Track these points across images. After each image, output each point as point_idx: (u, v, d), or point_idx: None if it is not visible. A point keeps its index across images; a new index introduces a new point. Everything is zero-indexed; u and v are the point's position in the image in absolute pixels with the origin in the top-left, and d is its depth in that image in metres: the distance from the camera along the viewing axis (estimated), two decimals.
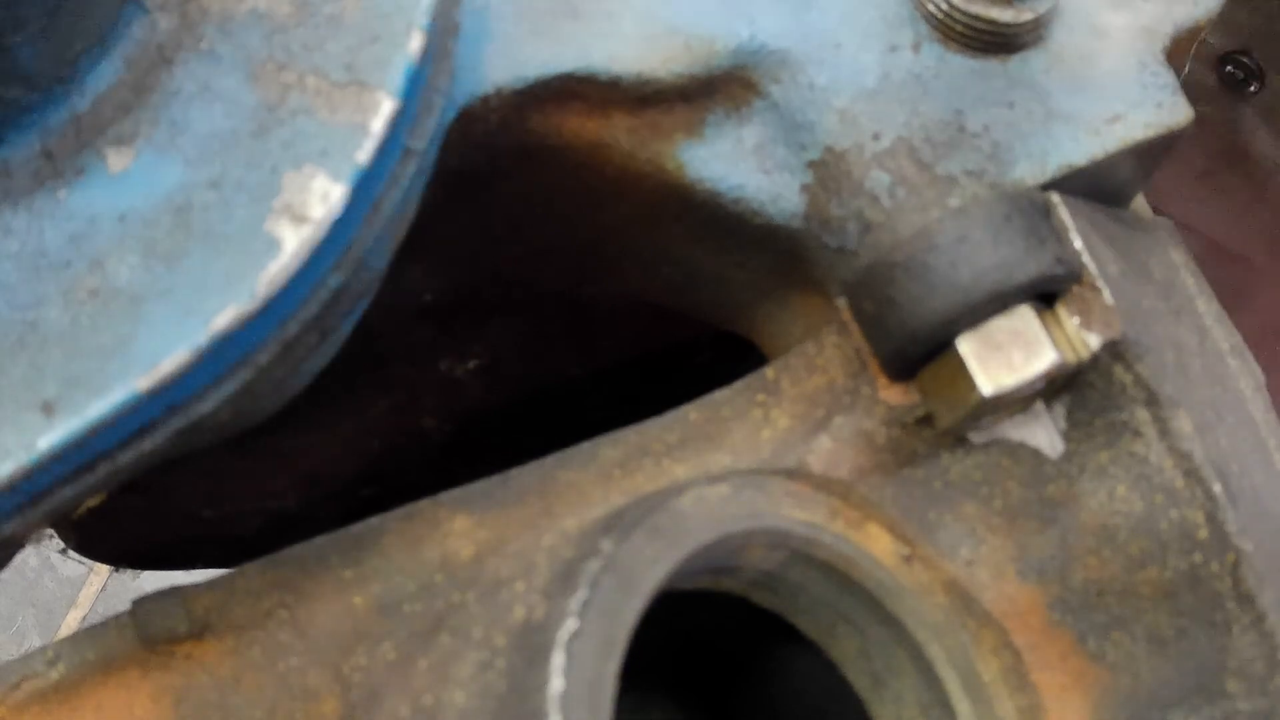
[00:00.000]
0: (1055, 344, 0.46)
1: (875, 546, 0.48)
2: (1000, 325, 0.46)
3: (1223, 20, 1.02)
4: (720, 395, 0.50)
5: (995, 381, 0.46)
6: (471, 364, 0.69)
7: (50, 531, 0.73)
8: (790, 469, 0.49)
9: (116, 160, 0.39)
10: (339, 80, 0.40)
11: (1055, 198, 0.48)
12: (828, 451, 0.49)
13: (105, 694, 0.44)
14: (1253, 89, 1.01)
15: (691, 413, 0.50)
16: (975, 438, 0.49)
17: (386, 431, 0.71)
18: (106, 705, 0.44)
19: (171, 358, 0.37)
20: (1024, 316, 0.46)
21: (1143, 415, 0.48)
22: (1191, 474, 0.48)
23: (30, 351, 0.37)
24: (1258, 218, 1.07)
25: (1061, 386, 0.48)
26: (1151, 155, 0.52)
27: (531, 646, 0.42)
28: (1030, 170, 0.49)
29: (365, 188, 0.40)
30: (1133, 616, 0.49)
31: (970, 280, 0.46)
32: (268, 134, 0.40)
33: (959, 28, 0.49)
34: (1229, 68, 1.01)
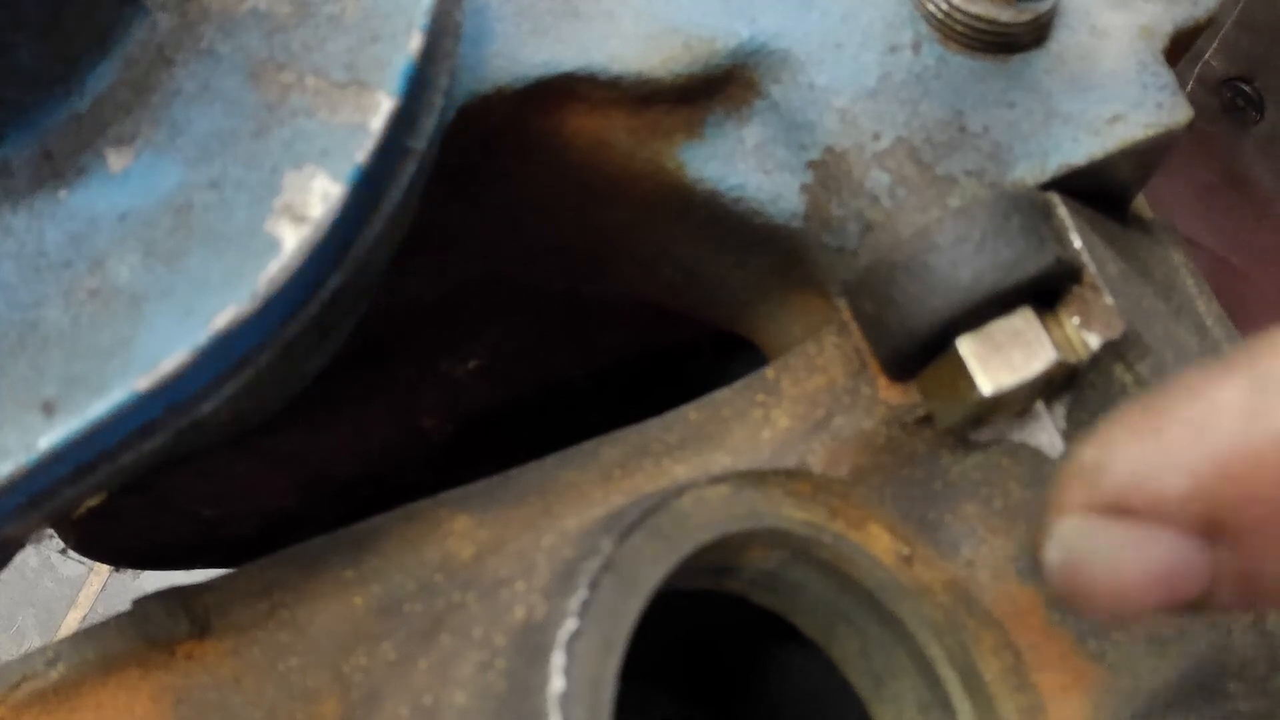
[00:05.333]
0: (1055, 344, 0.46)
1: (875, 546, 0.48)
2: (1000, 325, 0.46)
3: (1227, 45, 1.02)
4: (720, 395, 0.50)
5: (995, 381, 0.46)
6: (471, 364, 0.69)
7: (50, 531, 0.73)
8: (790, 469, 0.49)
9: (117, 160, 0.39)
10: (339, 80, 0.40)
11: (1055, 198, 0.48)
12: (828, 451, 0.49)
13: (105, 694, 0.44)
14: (1254, 118, 1.02)
15: (691, 413, 0.50)
16: (975, 438, 0.49)
17: (386, 431, 0.71)
18: (106, 705, 0.44)
19: (172, 358, 0.37)
20: (1024, 316, 0.46)
21: None
22: None
23: (30, 351, 0.37)
24: (1256, 238, 1.08)
25: (1061, 386, 0.48)
26: (1152, 155, 0.52)
27: (531, 646, 0.42)
28: (1030, 170, 0.49)
29: (365, 188, 0.40)
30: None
31: (970, 280, 0.46)
32: (268, 134, 0.40)
33: (959, 28, 0.49)
34: (1230, 94, 1.02)
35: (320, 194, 0.39)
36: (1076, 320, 0.47)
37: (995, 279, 0.46)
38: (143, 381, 0.36)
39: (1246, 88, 1.01)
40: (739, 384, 0.51)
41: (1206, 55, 1.00)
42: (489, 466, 0.49)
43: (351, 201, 0.39)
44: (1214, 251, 1.08)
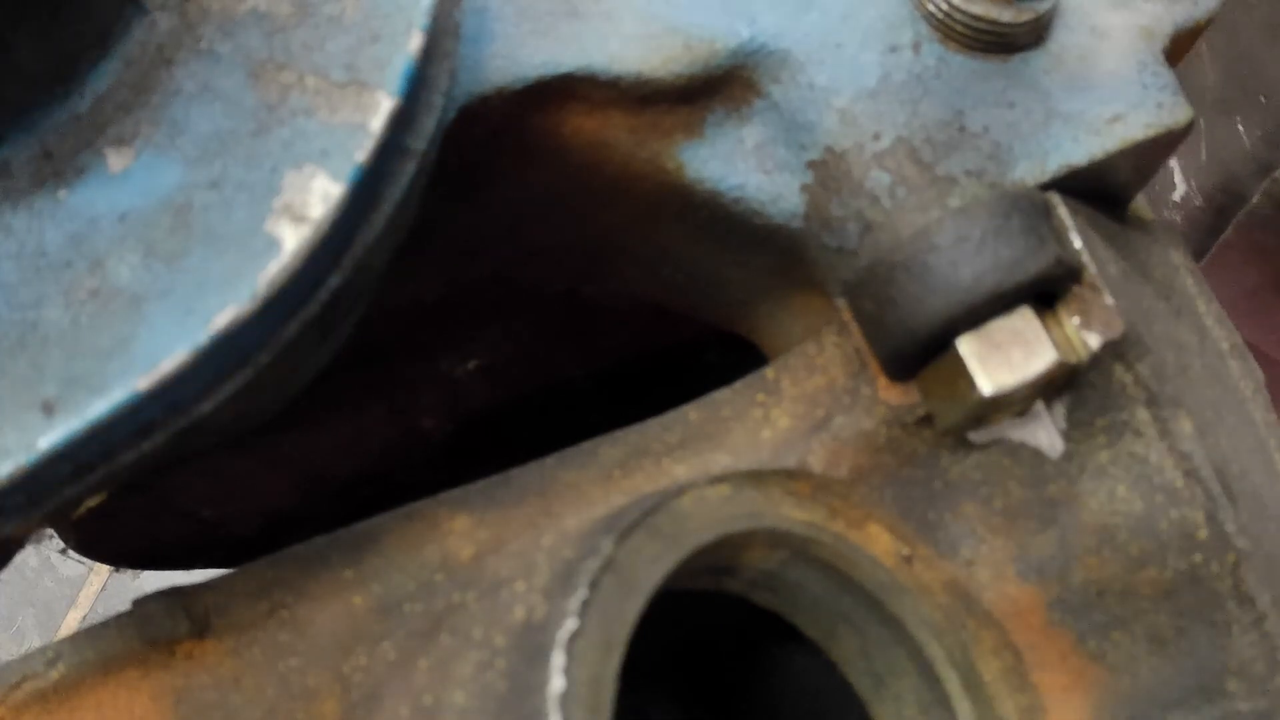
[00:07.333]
0: (1055, 344, 0.46)
1: (875, 546, 0.48)
2: (1000, 325, 0.46)
3: None
4: (720, 395, 0.50)
5: (995, 381, 0.46)
6: (471, 364, 0.69)
7: (50, 531, 0.72)
8: (790, 469, 0.49)
9: (117, 160, 0.39)
10: (339, 80, 0.40)
11: (1055, 198, 0.48)
12: (828, 451, 0.49)
13: (105, 694, 0.44)
14: None
15: (691, 413, 0.50)
16: (975, 438, 0.49)
17: (386, 431, 0.71)
18: (106, 705, 0.44)
19: (171, 358, 0.37)
20: (1024, 316, 0.46)
21: (1143, 415, 0.48)
22: (1191, 474, 0.48)
23: (30, 351, 0.37)
24: None
25: (1061, 386, 0.48)
26: (1151, 155, 0.52)
27: (531, 646, 0.42)
28: (1030, 170, 0.49)
29: (365, 188, 0.40)
30: (1133, 616, 0.49)
31: (970, 280, 0.46)
32: (268, 134, 0.40)
33: (959, 28, 0.49)
34: None
35: (320, 194, 0.39)
36: (1076, 320, 0.47)
37: (995, 279, 0.46)
38: (143, 381, 0.36)
39: None
40: (739, 384, 0.51)
41: (1277, 173, 1.02)
42: (489, 466, 0.49)
43: (351, 201, 0.39)
44: (1258, 348, 1.10)
